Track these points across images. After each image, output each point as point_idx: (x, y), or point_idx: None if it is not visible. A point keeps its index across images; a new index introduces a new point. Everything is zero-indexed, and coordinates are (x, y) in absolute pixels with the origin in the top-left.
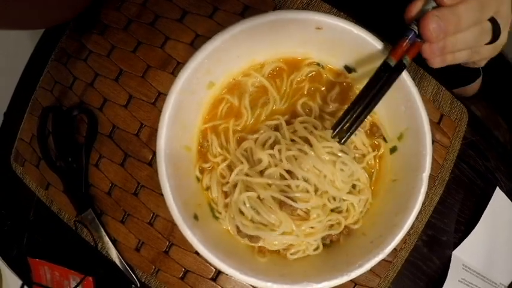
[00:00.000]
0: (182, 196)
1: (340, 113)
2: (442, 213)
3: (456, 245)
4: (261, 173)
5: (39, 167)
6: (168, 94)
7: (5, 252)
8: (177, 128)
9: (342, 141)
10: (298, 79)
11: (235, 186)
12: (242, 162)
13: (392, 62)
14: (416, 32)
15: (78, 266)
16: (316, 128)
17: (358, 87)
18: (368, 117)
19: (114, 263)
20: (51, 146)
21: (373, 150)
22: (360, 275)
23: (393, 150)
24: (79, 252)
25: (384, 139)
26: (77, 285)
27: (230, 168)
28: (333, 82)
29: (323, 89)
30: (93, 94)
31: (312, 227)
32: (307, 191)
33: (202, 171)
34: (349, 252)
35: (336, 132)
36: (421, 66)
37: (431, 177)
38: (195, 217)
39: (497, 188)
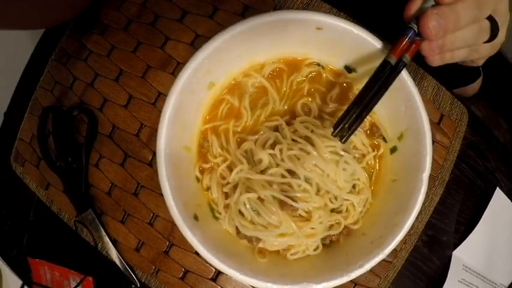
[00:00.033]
0: (182, 196)
1: (340, 113)
2: (442, 213)
3: (456, 245)
4: (262, 173)
5: (39, 167)
6: (168, 94)
7: (5, 252)
8: (177, 128)
9: (343, 139)
10: (298, 80)
11: (235, 187)
12: (242, 163)
13: (393, 60)
14: (416, 30)
15: (78, 266)
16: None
17: (358, 87)
18: (368, 117)
19: (114, 263)
20: (51, 146)
21: (373, 150)
22: (360, 275)
23: (393, 150)
24: (79, 252)
25: (384, 139)
26: (77, 285)
27: (230, 169)
28: (333, 82)
29: (323, 89)
30: (93, 94)
31: (312, 228)
32: (308, 191)
33: (202, 171)
34: (349, 253)
35: (336, 131)
36: (421, 67)
37: (432, 178)
38: (195, 217)
39: (498, 188)
